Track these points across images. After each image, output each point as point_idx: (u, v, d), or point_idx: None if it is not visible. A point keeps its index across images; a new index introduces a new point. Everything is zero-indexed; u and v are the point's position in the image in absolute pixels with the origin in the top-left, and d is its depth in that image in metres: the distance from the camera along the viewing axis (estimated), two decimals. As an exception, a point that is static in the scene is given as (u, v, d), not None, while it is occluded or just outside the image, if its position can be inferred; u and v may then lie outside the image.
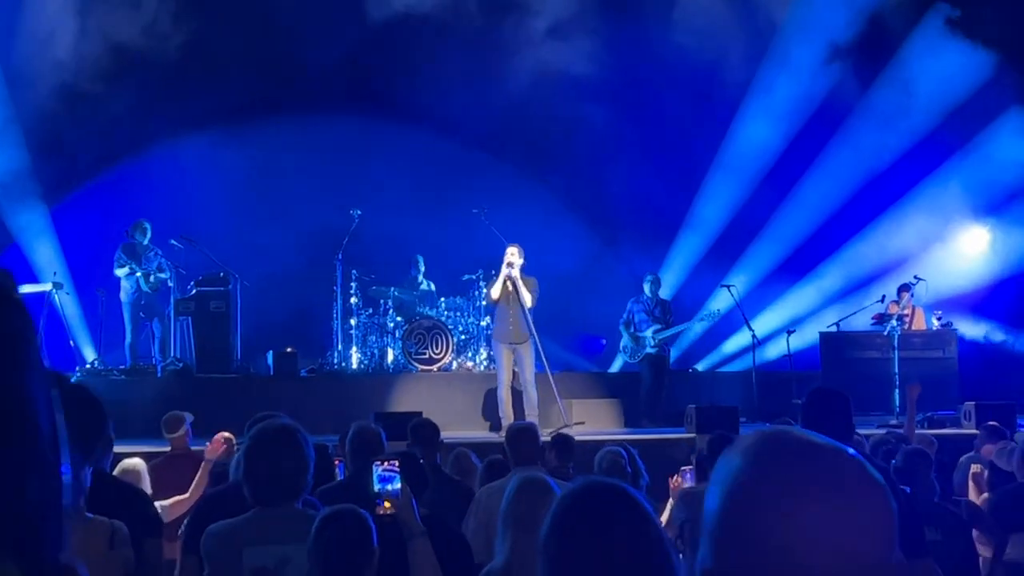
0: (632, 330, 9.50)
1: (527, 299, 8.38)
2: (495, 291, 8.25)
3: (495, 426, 8.59)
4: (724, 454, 1.03)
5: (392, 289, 10.35)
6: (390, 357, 10.06)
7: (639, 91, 11.45)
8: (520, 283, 8.31)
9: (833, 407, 3.36)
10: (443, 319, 10.08)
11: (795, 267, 11.80)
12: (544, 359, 8.48)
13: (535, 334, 8.36)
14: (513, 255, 8.34)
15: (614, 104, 11.44)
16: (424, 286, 10.52)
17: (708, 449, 4.49)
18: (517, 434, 4.16)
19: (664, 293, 9.89)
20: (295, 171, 11.00)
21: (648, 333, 9.42)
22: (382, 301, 10.33)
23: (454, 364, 10.04)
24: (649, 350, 9.44)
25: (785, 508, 0.95)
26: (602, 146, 11.58)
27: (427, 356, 9.75)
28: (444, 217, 11.08)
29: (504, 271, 8.16)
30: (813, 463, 0.97)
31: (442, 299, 10.40)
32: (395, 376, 9.65)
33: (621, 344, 9.66)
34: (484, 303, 9.87)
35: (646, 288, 9.59)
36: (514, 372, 8.46)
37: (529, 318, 8.35)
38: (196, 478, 4.87)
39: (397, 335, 10.00)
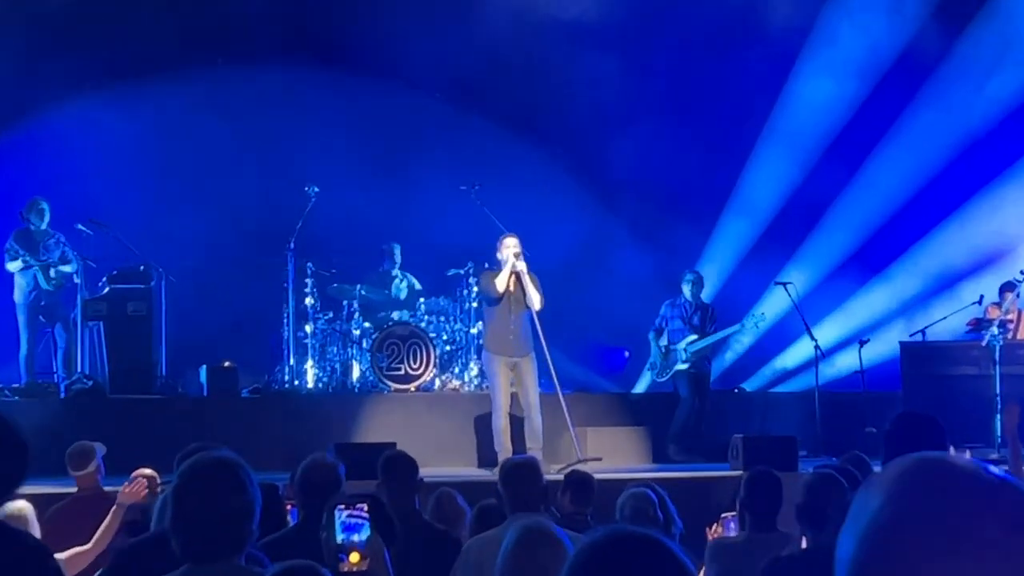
0: (665, 342, 9.67)
1: (535, 300, 8.51)
2: (500, 283, 8.37)
3: (488, 461, 8.72)
4: (863, 488, 1.00)
5: (358, 287, 10.43)
6: (355, 373, 10.17)
7: (664, 37, 11.59)
8: (528, 280, 8.45)
9: (924, 437, 3.41)
10: (423, 325, 10.20)
11: (868, 260, 11.91)
12: (554, 376, 8.58)
13: (545, 345, 8.45)
14: (517, 246, 8.53)
15: (631, 54, 11.60)
16: (400, 282, 10.68)
17: (747, 490, 4.51)
18: (515, 471, 4.23)
19: (706, 295, 10.07)
20: (233, 138, 11.08)
21: (681, 345, 9.61)
22: (346, 302, 10.44)
23: (437, 382, 10.19)
24: (681, 366, 9.59)
25: (946, 562, 0.89)
26: (624, 108, 11.71)
27: (402, 372, 9.89)
28: (423, 196, 11.22)
29: (511, 262, 8.30)
30: (985, 502, 0.90)
31: (421, 300, 10.51)
32: (362, 397, 9.79)
33: (650, 360, 9.86)
34: (476, 304, 10.00)
35: (685, 290, 9.75)
36: (513, 393, 8.61)
37: (537, 324, 8.46)
38: (103, 525, 4.86)
39: (365, 345, 10.12)
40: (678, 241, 11.69)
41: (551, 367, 8.47)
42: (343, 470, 4.06)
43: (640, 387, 11.26)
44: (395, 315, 10.36)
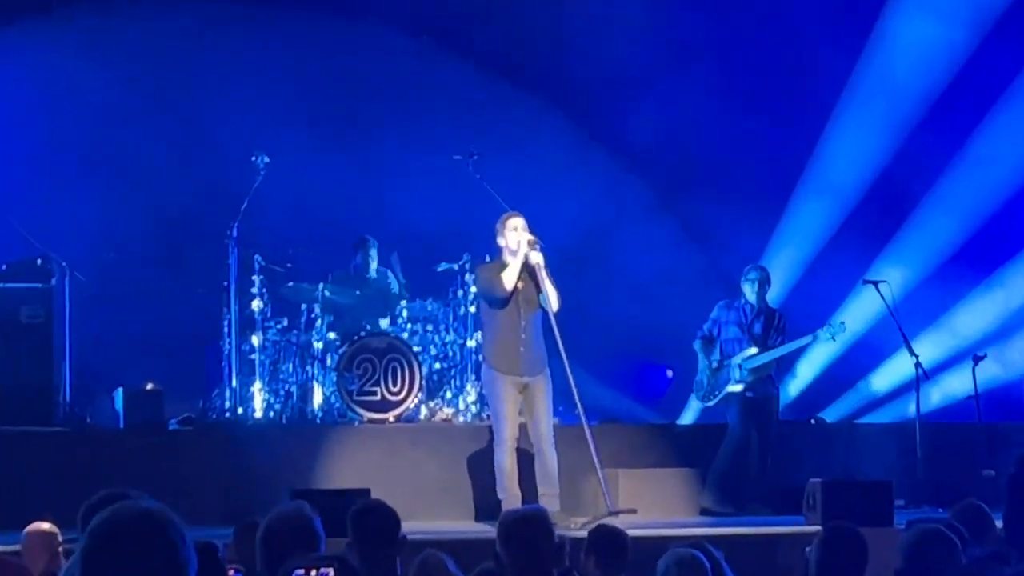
0: (717, 356, 9.70)
1: (553, 299, 8.52)
2: (507, 279, 8.38)
3: (489, 513, 8.71)
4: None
5: (321, 287, 10.41)
6: (317, 398, 10.16)
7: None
8: (545, 274, 8.48)
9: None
10: (405, 336, 10.22)
11: (982, 254, 11.93)
12: (577, 402, 8.54)
13: (565, 360, 8.43)
14: (527, 229, 8.54)
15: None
16: (374, 277, 10.75)
17: (825, 551, 4.54)
18: (520, 526, 4.23)
19: (772, 297, 10.12)
20: (144, 95, 11.13)
21: (736, 360, 9.63)
22: (304, 307, 10.45)
23: (423, 410, 10.21)
24: (734, 387, 9.58)
25: None
26: (660, 55, 11.75)
27: (378, 397, 9.91)
28: (404, 168, 11.27)
29: (522, 251, 8.36)
30: None
31: (403, 304, 10.58)
32: (326, 430, 9.77)
33: (696, 377, 9.85)
34: (473, 308, 10.03)
35: (747, 290, 9.80)
36: (522, 424, 8.62)
37: (556, 332, 8.48)
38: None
39: (329, 363, 10.11)
40: (735, 228, 11.66)
41: (573, 389, 8.43)
42: (320, 524, 4.11)
43: (687, 416, 11.32)
44: (367, 324, 10.36)
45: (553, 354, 8.60)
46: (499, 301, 8.56)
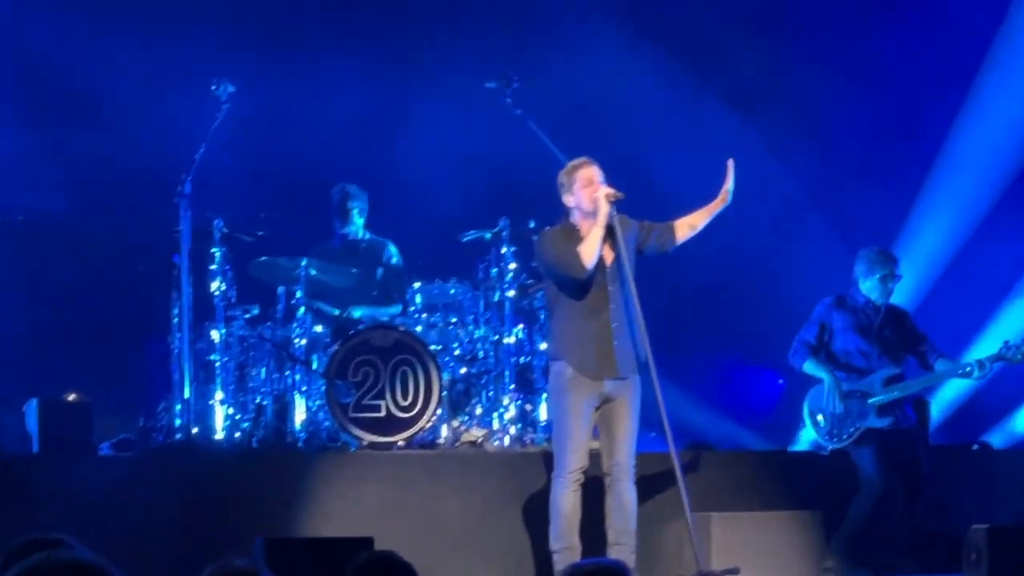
0: (833, 387, 9.67)
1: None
2: (587, 251, 8.39)
3: (534, 571, 8.92)
4: None
5: (304, 262, 10.46)
6: (300, 415, 10.15)
7: None
8: (622, 240, 8.46)
9: None
10: (418, 331, 10.29)
11: None
12: (664, 420, 8.48)
13: (651, 361, 8.47)
14: (606, 183, 8.54)
15: None
16: (364, 246, 10.94)
17: None
18: None
19: (899, 296, 10.12)
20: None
21: (878, 384, 9.67)
22: (282, 290, 10.51)
23: (444, 432, 10.21)
24: (876, 422, 9.64)
25: None
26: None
27: (383, 414, 9.96)
28: (416, 99, 11.50)
29: (604, 210, 8.41)
30: None
31: (416, 287, 10.63)
32: (311, 458, 9.77)
33: (807, 404, 9.85)
34: (528, 288, 10.29)
35: (866, 285, 9.83)
36: (594, 449, 8.65)
37: (641, 326, 8.51)
38: None
39: (316, 365, 10.14)
40: (854, 201, 11.96)
41: (660, 403, 8.41)
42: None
43: (803, 442, 11.36)
44: (359, 313, 10.46)
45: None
46: (575, 284, 8.59)
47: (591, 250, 8.42)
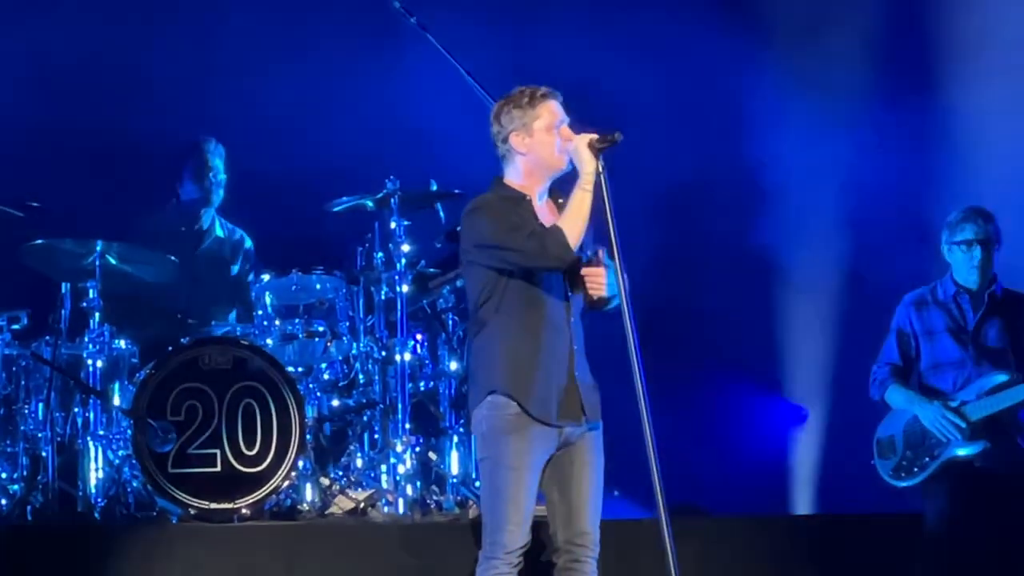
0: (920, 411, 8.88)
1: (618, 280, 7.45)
2: (572, 226, 7.22)
3: None
4: None
5: (101, 246, 9.58)
6: (95, 473, 9.36)
7: None
8: (611, 214, 7.19)
9: None
10: (268, 344, 9.67)
11: None
12: (655, 472, 7.11)
13: (641, 390, 7.14)
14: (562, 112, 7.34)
15: None
16: (213, 227, 10.65)
17: None
18: None
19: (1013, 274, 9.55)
20: None
21: (973, 395, 8.79)
22: (66, 287, 9.64)
23: (309, 494, 9.44)
24: (961, 451, 8.68)
25: None
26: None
27: (216, 468, 9.12)
28: (267, 20, 11.02)
29: (590, 165, 7.08)
30: None
31: (265, 280, 9.76)
32: (114, 534, 8.87)
33: (878, 434, 9.06)
34: (442, 282, 9.82)
35: (959, 260, 8.96)
36: (539, 513, 7.47)
37: (630, 336, 7.12)
38: None
39: (119, 400, 9.51)
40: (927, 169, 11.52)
41: (650, 447, 6.99)
42: None
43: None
44: (194, 319, 10.00)
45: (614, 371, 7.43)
46: (536, 278, 7.30)
47: (577, 225, 7.16)
